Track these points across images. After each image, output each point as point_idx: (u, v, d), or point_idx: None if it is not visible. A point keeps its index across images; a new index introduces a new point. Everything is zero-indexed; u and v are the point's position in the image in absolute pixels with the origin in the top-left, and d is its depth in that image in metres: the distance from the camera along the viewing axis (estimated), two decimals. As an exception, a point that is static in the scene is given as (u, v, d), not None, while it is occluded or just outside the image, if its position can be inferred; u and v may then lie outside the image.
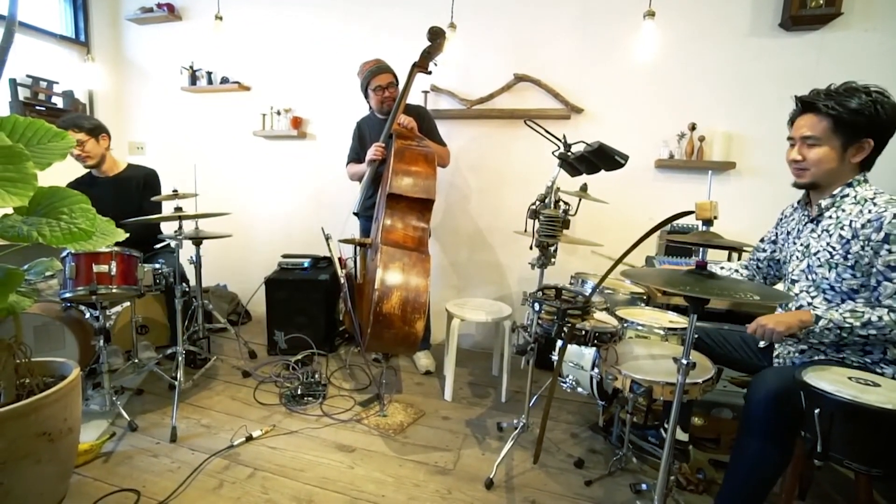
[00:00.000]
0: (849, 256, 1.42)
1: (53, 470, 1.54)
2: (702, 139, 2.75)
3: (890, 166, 2.43)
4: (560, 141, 1.72)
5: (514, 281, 3.25)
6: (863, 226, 1.38)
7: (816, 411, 1.08)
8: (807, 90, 2.57)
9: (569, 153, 1.70)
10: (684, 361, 1.28)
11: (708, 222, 1.21)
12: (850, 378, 1.15)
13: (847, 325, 1.35)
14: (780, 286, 1.76)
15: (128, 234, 1.69)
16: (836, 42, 2.51)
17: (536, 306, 1.55)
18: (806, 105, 1.49)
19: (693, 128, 2.76)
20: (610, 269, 1.31)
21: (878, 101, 1.37)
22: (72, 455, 1.66)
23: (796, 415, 1.25)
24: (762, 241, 1.85)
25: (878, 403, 1.02)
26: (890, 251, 1.33)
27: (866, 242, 1.37)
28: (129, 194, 2.71)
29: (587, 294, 1.54)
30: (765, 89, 2.65)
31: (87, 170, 2.74)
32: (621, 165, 1.54)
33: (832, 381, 1.13)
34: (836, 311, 1.40)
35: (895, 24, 2.41)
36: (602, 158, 1.57)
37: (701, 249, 1.27)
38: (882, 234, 1.34)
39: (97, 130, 2.67)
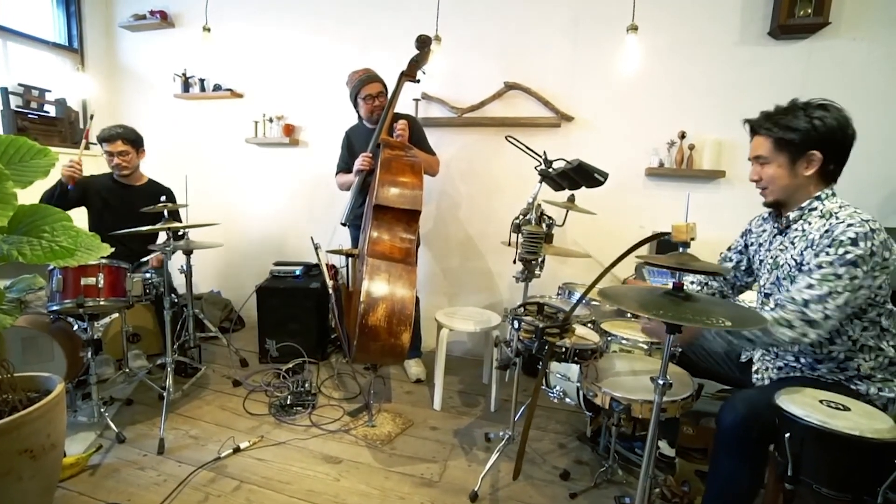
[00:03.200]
0: (803, 268, 1.43)
1: (36, 486, 1.54)
2: (692, 147, 2.75)
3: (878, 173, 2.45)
4: (540, 157, 1.72)
5: (505, 288, 3.25)
6: (820, 237, 1.40)
7: (787, 435, 1.08)
8: (796, 98, 2.59)
9: (550, 169, 1.70)
10: (661, 381, 1.29)
11: (685, 244, 1.21)
12: (821, 401, 1.16)
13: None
14: (749, 294, 1.77)
15: (113, 249, 1.70)
16: (824, 51, 2.51)
17: (516, 323, 1.56)
18: (751, 129, 1.57)
19: (683, 136, 2.76)
20: (587, 291, 1.31)
21: (814, 116, 1.41)
22: (55, 470, 1.66)
23: (766, 434, 1.27)
24: (729, 249, 1.87)
25: (845, 429, 1.02)
26: (827, 253, 1.35)
27: (816, 248, 1.39)
28: (142, 208, 2.72)
29: (569, 310, 1.54)
30: (755, 97, 2.62)
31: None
32: (601, 183, 1.54)
33: (803, 404, 1.13)
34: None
35: (882, 33, 2.41)
36: (582, 175, 1.57)
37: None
38: (828, 240, 1.36)
39: (140, 143, 2.85)
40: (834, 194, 1.49)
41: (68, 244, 1.50)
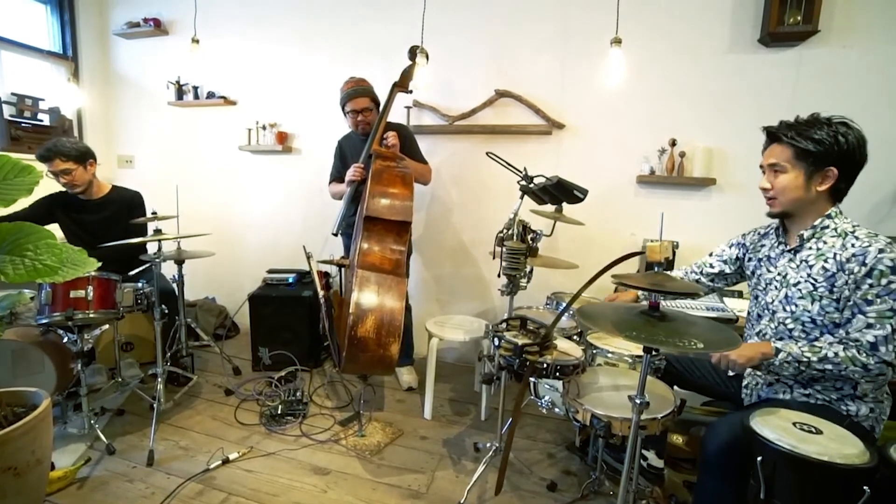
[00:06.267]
0: (834, 290, 1.41)
1: (21, 503, 1.56)
2: (682, 155, 2.74)
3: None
4: (521, 172, 1.72)
5: (497, 295, 3.23)
6: (847, 260, 1.37)
7: (759, 458, 1.09)
8: (787, 106, 2.59)
9: (531, 184, 1.70)
10: (638, 400, 1.29)
11: (659, 264, 1.21)
12: (794, 424, 1.15)
13: (805, 359, 1.36)
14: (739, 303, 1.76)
15: (100, 263, 1.71)
16: (814, 58, 2.50)
17: (496, 340, 1.56)
18: (770, 136, 1.52)
19: (674, 143, 2.75)
20: (562, 312, 1.31)
21: (839, 131, 1.39)
22: (41, 486, 1.67)
23: (750, 456, 1.26)
24: (711, 255, 1.88)
25: (815, 454, 1.02)
26: (871, 285, 1.32)
27: (849, 276, 1.36)
28: (116, 217, 2.71)
29: (548, 328, 1.54)
30: (745, 105, 2.64)
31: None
32: (580, 200, 1.54)
33: (776, 427, 1.13)
34: (796, 344, 1.41)
35: (872, 41, 2.40)
36: (561, 191, 1.57)
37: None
38: (866, 269, 1.33)
39: (84, 157, 2.61)
40: (841, 212, 1.48)
41: (52, 262, 1.50)
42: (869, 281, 1.33)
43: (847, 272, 1.37)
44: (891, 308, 1.31)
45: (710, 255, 1.88)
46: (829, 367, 1.34)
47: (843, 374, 1.34)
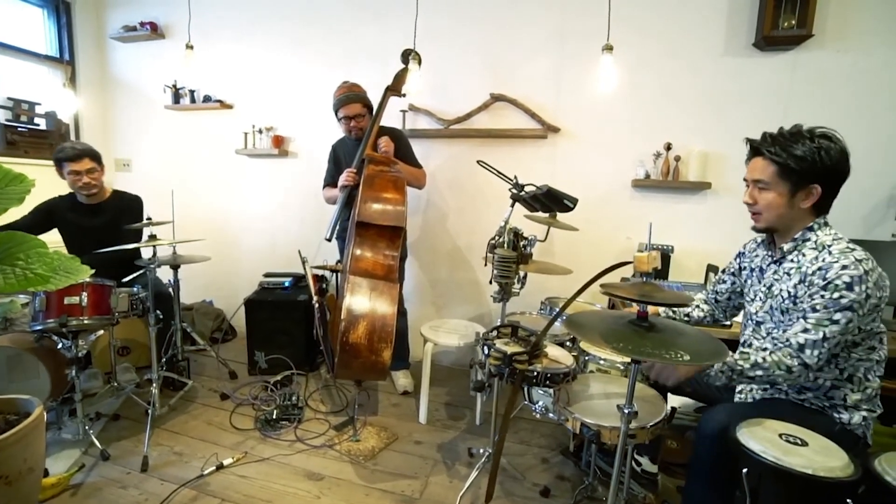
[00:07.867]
0: (797, 302, 1.42)
1: (13, 511, 1.56)
2: (678, 159, 2.74)
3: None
4: (512, 180, 1.72)
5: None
6: (812, 273, 1.38)
7: (745, 470, 1.09)
8: (782, 109, 2.58)
9: (521, 192, 1.70)
10: (626, 410, 1.29)
11: (648, 274, 1.21)
12: (780, 435, 1.15)
13: (738, 368, 1.37)
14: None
15: (93, 271, 1.71)
16: (809, 62, 2.50)
17: (486, 349, 1.56)
18: (753, 149, 1.50)
19: (669, 147, 2.75)
20: (553, 319, 1.31)
21: (822, 146, 1.38)
22: (33, 494, 1.68)
23: (737, 464, 1.26)
24: (723, 272, 1.84)
25: (798, 467, 1.02)
26: (822, 296, 1.33)
27: (809, 287, 1.37)
28: (117, 222, 2.70)
29: (537, 338, 1.54)
30: (740, 109, 2.64)
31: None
32: (570, 209, 1.54)
33: (762, 438, 1.13)
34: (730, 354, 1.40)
35: (866, 45, 2.40)
36: (551, 200, 1.57)
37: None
38: (824, 282, 1.33)
39: (101, 158, 2.70)
40: (826, 224, 1.48)
41: (43, 271, 1.50)
42: (823, 293, 1.33)
43: (808, 283, 1.39)
44: (830, 318, 1.32)
45: (723, 271, 1.85)
46: (760, 372, 1.35)
47: (770, 379, 1.36)
